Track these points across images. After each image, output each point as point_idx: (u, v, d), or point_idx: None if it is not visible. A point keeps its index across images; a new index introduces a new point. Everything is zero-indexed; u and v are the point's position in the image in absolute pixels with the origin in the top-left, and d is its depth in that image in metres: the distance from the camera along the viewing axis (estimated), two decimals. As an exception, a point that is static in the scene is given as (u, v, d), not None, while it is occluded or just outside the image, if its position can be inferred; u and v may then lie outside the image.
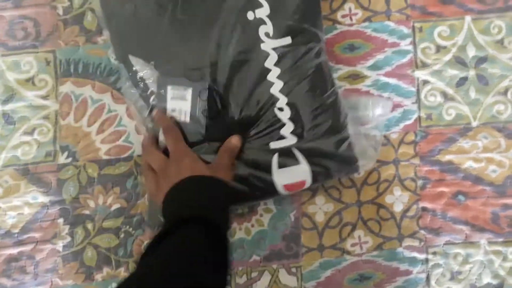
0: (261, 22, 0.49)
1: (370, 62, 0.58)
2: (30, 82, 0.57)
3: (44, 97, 0.56)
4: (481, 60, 0.58)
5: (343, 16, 0.58)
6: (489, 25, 0.58)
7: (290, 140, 0.50)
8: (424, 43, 0.58)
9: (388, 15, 0.58)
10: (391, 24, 0.58)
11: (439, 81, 0.58)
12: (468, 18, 0.58)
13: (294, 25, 0.50)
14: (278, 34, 0.49)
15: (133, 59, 0.51)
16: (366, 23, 0.58)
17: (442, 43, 0.58)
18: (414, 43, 0.58)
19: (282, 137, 0.50)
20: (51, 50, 0.57)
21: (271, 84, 0.49)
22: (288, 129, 0.50)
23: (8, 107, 0.56)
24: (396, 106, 0.57)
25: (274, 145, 0.50)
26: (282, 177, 0.50)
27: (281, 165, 0.50)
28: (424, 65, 0.58)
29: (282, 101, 0.49)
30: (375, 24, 0.58)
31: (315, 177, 0.50)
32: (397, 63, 0.58)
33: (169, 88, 0.51)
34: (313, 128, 0.50)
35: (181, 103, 0.51)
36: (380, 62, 0.58)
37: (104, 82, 0.56)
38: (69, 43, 0.57)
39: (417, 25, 0.58)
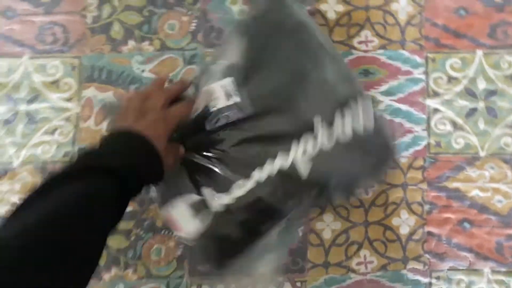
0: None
1: (384, 87, 0.60)
2: (55, 85, 0.59)
3: (67, 100, 0.59)
4: (491, 93, 0.60)
5: (359, 43, 0.61)
6: (499, 60, 0.61)
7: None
8: (436, 73, 0.61)
9: (403, 44, 0.61)
10: (405, 53, 0.61)
11: (449, 110, 0.60)
12: (479, 52, 0.61)
13: None
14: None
15: None
16: (382, 51, 0.61)
17: (454, 74, 0.61)
18: (426, 73, 0.61)
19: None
20: (77, 56, 0.60)
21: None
22: None
23: (32, 107, 0.59)
24: (407, 131, 0.59)
25: None
26: None
27: None
28: (436, 94, 0.60)
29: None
30: (390, 52, 0.61)
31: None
32: (409, 91, 0.60)
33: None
34: None
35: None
36: (393, 89, 0.60)
37: (126, 89, 0.59)
38: (95, 50, 0.60)
39: (430, 55, 0.61)
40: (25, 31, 0.60)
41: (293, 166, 0.50)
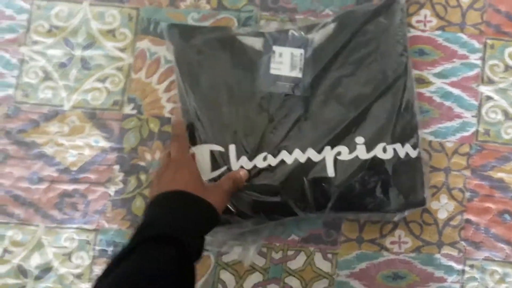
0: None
1: (438, 69, 0.61)
2: (111, 33, 0.62)
3: (121, 50, 0.62)
4: (548, 86, 0.60)
5: (418, 22, 0.61)
6: (561, 53, 0.60)
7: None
8: (493, 60, 0.61)
9: (462, 28, 0.61)
10: (464, 37, 0.61)
11: (502, 99, 0.60)
12: (541, 43, 0.61)
13: None
14: None
15: None
16: (439, 32, 0.61)
17: (511, 63, 0.61)
18: (483, 59, 0.61)
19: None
20: (136, 7, 0.62)
21: None
22: None
23: (87, 53, 0.62)
24: (456, 116, 0.60)
25: None
26: None
27: None
28: (490, 82, 0.60)
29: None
30: (448, 34, 0.61)
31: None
32: (463, 75, 0.61)
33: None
34: None
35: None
36: (447, 71, 0.61)
37: (179, 45, 0.61)
38: (153, 3, 0.62)
39: (489, 41, 0.61)
40: (88, -22, 0.62)
41: (322, 163, 0.52)
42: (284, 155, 0.53)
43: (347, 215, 0.57)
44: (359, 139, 0.53)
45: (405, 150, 0.53)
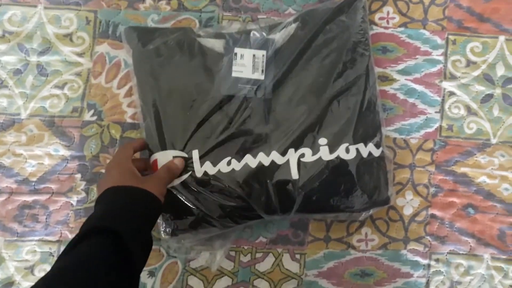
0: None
1: (401, 66, 0.65)
2: (68, 38, 0.64)
3: (79, 54, 0.64)
4: (509, 80, 0.65)
5: (380, 19, 0.65)
6: (521, 47, 0.65)
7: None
8: (456, 56, 0.65)
9: (425, 24, 0.65)
10: (426, 33, 0.65)
11: (464, 95, 0.64)
12: (502, 38, 0.65)
13: None
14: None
15: None
16: (402, 28, 0.65)
17: (473, 58, 0.65)
18: (445, 55, 0.65)
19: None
20: (93, 9, 0.64)
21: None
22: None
23: (43, 59, 0.63)
24: (420, 113, 0.64)
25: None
26: None
27: None
28: (453, 77, 0.65)
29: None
30: (411, 31, 0.65)
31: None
32: (426, 71, 0.65)
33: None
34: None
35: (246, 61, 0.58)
36: (410, 68, 0.65)
37: (139, 48, 0.63)
38: (111, 5, 0.64)
39: (451, 37, 0.65)
40: (41, -20, 0.64)
41: (286, 166, 0.56)
42: (248, 159, 0.56)
43: (313, 216, 0.61)
44: (322, 140, 0.56)
45: (368, 149, 0.57)
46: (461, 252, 0.62)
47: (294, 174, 0.56)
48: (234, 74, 0.58)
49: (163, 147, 0.57)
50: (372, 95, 0.59)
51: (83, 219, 0.60)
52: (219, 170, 0.56)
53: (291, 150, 0.56)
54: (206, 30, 0.62)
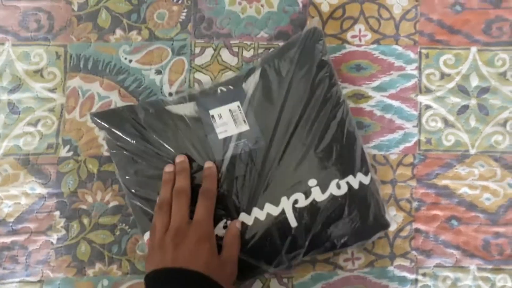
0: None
1: (376, 83, 0.69)
2: (38, 73, 0.67)
3: (51, 90, 0.66)
4: (483, 90, 0.69)
5: (353, 37, 0.69)
6: (493, 57, 0.70)
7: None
8: (429, 69, 0.69)
9: (397, 39, 0.69)
10: (399, 48, 0.69)
11: (441, 107, 0.68)
12: (473, 49, 0.70)
13: None
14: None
15: None
16: (375, 45, 0.69)
17: (447, 70, 0.69)
18: (419, 69, 0.69)
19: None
20: (63, 44, 0.67)
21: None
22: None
23: (14, 96, 0.66)
24: (397, 128, 0.68)
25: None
26: None
27: None
28: (428, 91, 0.69)
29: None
30: (383, 47, 0.69)
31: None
32: (401, 87, 0.69)
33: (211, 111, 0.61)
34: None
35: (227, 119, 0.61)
36: (385, 84, 0.69)
37: (113, 80, 0.67)
38: (81, 39, 0.67)
39: (424, 51, 0.69)
40: (8, 16, 0.67)
41: (283, 216, 0.59)
42: (243, 217, 0.59)
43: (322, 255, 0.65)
44: (312, 182, 0.59)
45: (358, 179, 0.60)
46: (447, 265, 0.66)
47: (293, 222, 0.59)
48: (220, 137, 0.60)
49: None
50: (349, 126, 0.62)
51: (65, 257, 0.64)
52: (216, 235, 0.58)
53: (284, 199, 0.59)
54: (171, 99, 0.64)
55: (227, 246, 0.56)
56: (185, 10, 0.68)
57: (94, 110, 0.66)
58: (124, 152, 0.60)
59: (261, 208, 0.59)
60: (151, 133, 0.60)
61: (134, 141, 0.60)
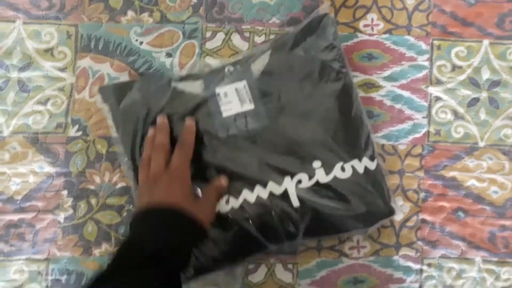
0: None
1: (387, 73, 0.69)
2: (49, 52, 0.67)
3: (61, 69, 0.67)
4: (494, 83, 0.69)
5: (365, 26, 0.69)
6: (505, 51, 0.70)
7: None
8: (441, 61, 0.70)
9: (409, 30, 0.70)
10: (411, 39, 0.70)
11: (451, 99, 0.69)
12: (486, 42, 0.70)
13: None
14: None
15: None
16: (387, 35, 0.69)
17: (458, 63, 0.70)
18: (431, 60, 0.69)
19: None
20: (74, 24, 0.67)
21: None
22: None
23: (24, 75, 0.66)
24: (407, 118, 0.68)
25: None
26: None
27: None
28: (438, 82, 0.69)
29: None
30: (395, 37, 0.69)
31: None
32: (412, 77, 0.69)
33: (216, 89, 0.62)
34: None
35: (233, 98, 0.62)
36: (396, 74, 0.69)
37: (123, 61, 0.67)
38: (92, 19, 0.67)
39: (436, 42, 0.70)
40: (20, -5, 0.67)
41: (285, 194, 0.60)
42: (246, 194, 0.60)
43: (321, 238, 0.65)
44: (316, 163, 0.60)
45: (363, 164, 0.61)
46: (452, 256, 0.67)
47: (295, 203, 0.59)
48: (225, 114, 0.61)
49: None
50: (357, 110, 0.63)
51: (72, 236, 0.64)
52: (218, 211, 0.60)
53: (287, 178, 0.60)
54: (180, 75, 0.65)
55: (206, 193, 0.58)
56: (198, -7, 0.69)
57: (104, 91, 0.67)
58: (128, 125, 0.62)
59: (264, 186, 0.60)
60: (155, 107, 0.61)
61: (138, 116, 0.61)
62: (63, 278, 0.64)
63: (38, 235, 0.64)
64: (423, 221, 0.67)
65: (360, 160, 0.61)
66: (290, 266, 0.65)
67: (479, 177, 0.68)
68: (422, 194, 0.68)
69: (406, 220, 0.67)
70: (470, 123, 0.69)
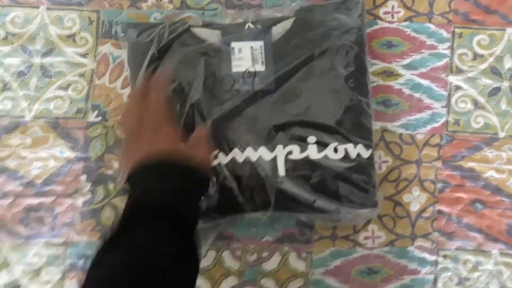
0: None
1: (406, 61, 0.68)
2: (71, 38, 0.68)
3: (83, 55, 0.68)
4: (517, 73, 0.68)
5: (385, 13, 0.69)
6: (529, 39, 0.68)
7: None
8: (462, 49, 0.68)
9: (430, 17, 0.68)
10: (432, 27, 0.68)
11: (471, 88, 0.68)
12: (509, 30, 0.69)
13: None
14: None
15: None
16: (407, 23, 0.68)
17: (480, 51, 0.68)
18: (452, 48, 0.68)
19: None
20: (96, 10, 0.68)
21: None
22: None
23: (47, 60, 0.67)
24: (426, 107, 0.67)
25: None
26: None
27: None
28: (459, 71, 0.68)
29: None
30: (416, 25, 0.68)
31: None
32: (432, 66, 0.68)
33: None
34: None
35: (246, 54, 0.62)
36: (416, 63, 0.68)
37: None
38: (114, 5, 0.68)
39: (458, 30, 0.68)
40: (43, -19, 0.68)
41: (273, 161, 0.59)
42: (235, 153, 0.60)
43: (293, 214, 0.64)
44: (311, 139, 0.60)
45: (357, 150, 0.60)
46: (469, 248, 0.66)
47: (281, 171, 0.59)
48: (234, 69, 0.62)
49: None
50: (364, 97, 0.62)
51: (90, 221, 0.65)
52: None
53: (280, 146, 0.60)
54: (202, 20, 0.65)
55: (194, 141, 0.56)
56: (217, -20, 0.69)
57: (123, 77, 0.67)
58: (142, 58, 0.62)
59: (255, 149, 0.60)
60: (170, 46, 0.62)
61: (153, 50, 0.62)
62: (81, 262, 0.65)
63: (57, 219, 0.65)
64: (440, 212, 0.66)
65: (355, 145, 0.60)
66: (304, 255, 0.65)
67: (498, 168, 0.67)
68: (439, 185, 0.67)
69: (422, 210, 0.66)
70: (490, 113, 0.68)
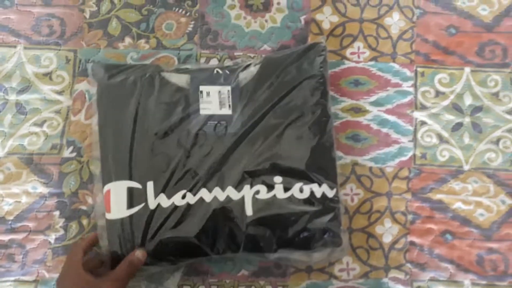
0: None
1: (373, 98, 0.70)
2: (47, 76, 0.68)
3: (59, 93, 0.68)
4: (477, 109, 0.71)
5: (352, 53, 0.71)
6: (486, 78, 0.72)
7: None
8: (425, 87, 0.71)
9: (394, 58, 0.72)
10: (396, 66, 0.72)
11: (435, 124, 0.70)
12: (467, 69, 0.72)
13: None
14: None
15: None
16: (373, 62, 0.71)
17: (442, 89, 0.71)
18: (415, 86, 0.71)
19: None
20: (73, 49, 0.69)
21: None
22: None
23: (22, 97, 0.67)
24: (393, 142, 0.69)
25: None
26: None
27: None
28: (423, 107, 0.70)
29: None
30: (381, 64, 0.71)
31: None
32: (397, 102, 0.71)
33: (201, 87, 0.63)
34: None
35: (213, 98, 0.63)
36: (382, 100, 0.70)
37: (119, 85, 0.68)
38: (91, 45, 0.69)
39: (420, 69, 0.72)
40: (22, 21, 0.69)
41: (241, 201, 0.59)
42: (203, 193, 0.59)
43: (261, 256, 0.61)
44: (277, 179, 0.60)
45: (322, 190, 0.60)
46: (441, 279, 0.66)
47: (249, 211, 0.59)
48: (202, 112, 0.62)
49: (118, 178, 0.59)
50: (326, 141, 0.62)
51: (62, 258, 0.63)
52: (173, 203, 0.59)
53: (247, 187, 0.60)
54: (170, 68, 0.66)
55: (120, 265, 0.56)
56: (192, 22, 0.71)
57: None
58: (110, 100, 0.62)
59: (223, 189, 0.59)
60: (138, 90, 0.62)
61: (121, 92, 0.62)
62: (51, 300, 0.62)
63: (28, 256, 0.63)
64: (412, 243, 0.67)
65: (320, 185, 0.60)
66: (280, 288, 0.65)
67: (465, 200, 0.69)
68: (410, 216, 0.68)
69: (395, 242, 0.67)
70: (454, 147, 0.70)
